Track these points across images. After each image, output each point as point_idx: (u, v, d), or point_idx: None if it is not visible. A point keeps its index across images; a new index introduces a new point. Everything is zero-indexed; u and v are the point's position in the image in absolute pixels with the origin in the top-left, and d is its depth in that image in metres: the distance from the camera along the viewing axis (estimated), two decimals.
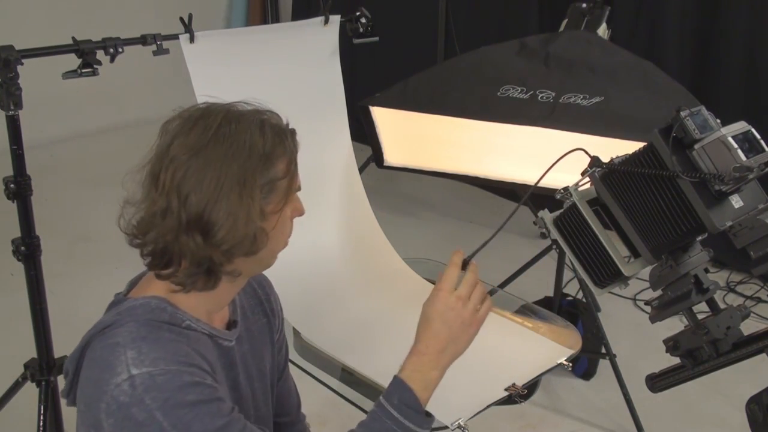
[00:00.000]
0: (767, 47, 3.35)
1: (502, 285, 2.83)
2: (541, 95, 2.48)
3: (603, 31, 2.99)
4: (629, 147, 1.21)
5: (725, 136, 1.07)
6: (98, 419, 1.05)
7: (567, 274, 2.92)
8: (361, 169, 2.60)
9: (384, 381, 1.25)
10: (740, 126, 1.09)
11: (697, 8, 3.50)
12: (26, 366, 2.02)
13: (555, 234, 1.27)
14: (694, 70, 3.55)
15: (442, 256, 1.69)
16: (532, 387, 2.52)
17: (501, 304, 2.16)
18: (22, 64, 1.75)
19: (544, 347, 2.00)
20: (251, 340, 1.30)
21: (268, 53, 2.22)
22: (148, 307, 1.11)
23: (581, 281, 2.68)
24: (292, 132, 1.17)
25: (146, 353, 1.05)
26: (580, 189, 1.24)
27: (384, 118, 2.71)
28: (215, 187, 1.07)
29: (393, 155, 2.78)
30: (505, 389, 1.76)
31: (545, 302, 2.88)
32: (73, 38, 1.84)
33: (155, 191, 1.09)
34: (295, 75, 2.28)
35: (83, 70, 1.83)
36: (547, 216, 1.27)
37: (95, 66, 1.83)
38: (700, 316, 1.16)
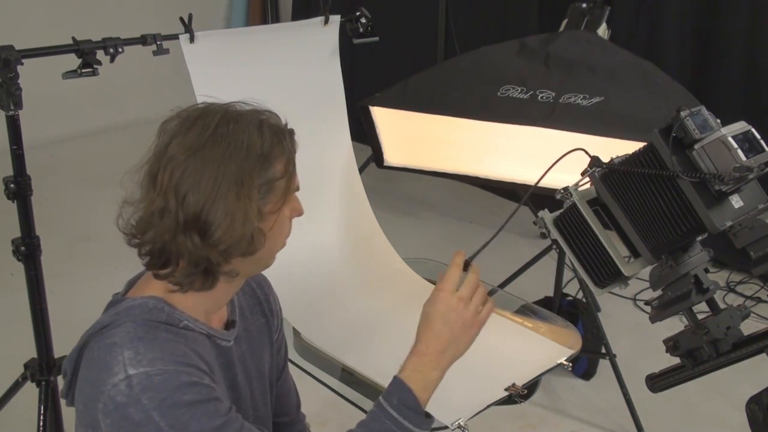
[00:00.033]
0: (767, 47, 3.35)
1: (502, 285, 2.83)
2: (541, 95, 2.48)
3: (603, 31, 2.99)
4: (629, 147, 1.21)
5: (725, 136, 1.07)
6: (96, 419, 1.05)
7: (567, 274, 2.92)
8: (361, 169, 2.60)
9: (384, 381, 1.25)
10: (740, 126, 1.09)
11: (697, 8, 3.50)
12: (26, 366, 2.02)
13: (555, 234, 1.27)
14: (694, 70, 3.55)
15: (442, 256, 1.70)
16: (532, 387, 2.52)
17: (501, 304, 2.16)
18: (22, 64, 1.75)
19: (544, 347, 2.00)
20: (250, 340, 1.30)
21: (268, 53, 2.23)
22: (146, 308, 1.11)
23: (581, 281, 2.68)
24: (291, 132, 1.17)
25: (143, 353, 1.05)
26: (580, 189, 1.24)
27: (384, 118, 2.71)
28: (213, 187, 1.07)
29: (393, 155, 2.78)
30: (505, 389, 1.76)
31: (545, 302, 2.88)
32: (73, 38, 1.84)
33: (153, 191, 1.09)
34: (295, 75, 2.28)
35: (83, 70, 1.83)
36: (547, 216, 1.27)
37: (95, 66, 1.83)
38: (700, 316, 1.16)
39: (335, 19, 2.31)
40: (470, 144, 2.66)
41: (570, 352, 1.93)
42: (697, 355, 1.14)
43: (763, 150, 1.08)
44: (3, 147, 1.91)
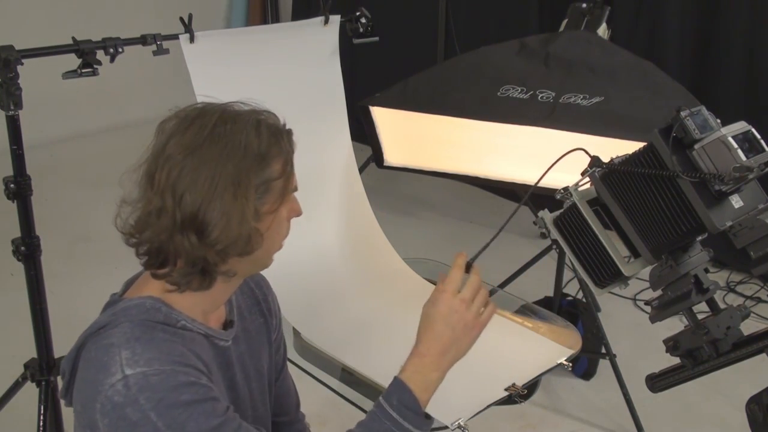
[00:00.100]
0: (767, 47, 3.35)
1: (502, 285, 2.83)
2: (541, 95, 2.48)
3: (603, 31, 2.99)
4: (629, 147, 1.21)
5: (725, 136, 1.07)
6: (94, 419, 1.05)
7: (567, 274, 2.92)
8: (361, 169, 2.60)
9: (384, 381, 1.25)
10: (740, 126, 1.09)
11: (697, 8, 3.50)
12: (26, 366, 2.02)
13: (555, 234, 1.27)
14: (694, 70, 3.54)
15: (442, 256, 1.70)
16: (532, 387, 2.52)
17: (501, 304, 2.16)
18: (22, 64, 1.75)
19: (544, 347, 2.00)
20: (248, 340, 1.30)
21: (268, 53, 2.22)
22: (143, 308, 1.11)
23: (581, 281, 2.68)
24: (289, 132, 1.16)
25: (140, 353, 1.05)
26: (580, 189, 1.24)
27: (384, 118, 2.71)
28: (209, 186, 1.07)
29: (393, 155, 2.78)
30: (505, 389, 1.76)
31: (545, 302, 2.88)
32: (73, 38, 1.84)
33: (151, 190, 1.09)
34: (295, 75, 2.28)
35: (83, 70, 1.83)
36: (547, 216, 1.27)
37: (95, 66, 1.83)
38: (700, 316, 1.16)
39: (335, 19, 2.31)
40: (470, 144, 2.66)
41: (570, 352, 1.93)
42: (697, 355, 1.14)
43: (763, 150, 1.08)
44: (3, 147, 1.91)
